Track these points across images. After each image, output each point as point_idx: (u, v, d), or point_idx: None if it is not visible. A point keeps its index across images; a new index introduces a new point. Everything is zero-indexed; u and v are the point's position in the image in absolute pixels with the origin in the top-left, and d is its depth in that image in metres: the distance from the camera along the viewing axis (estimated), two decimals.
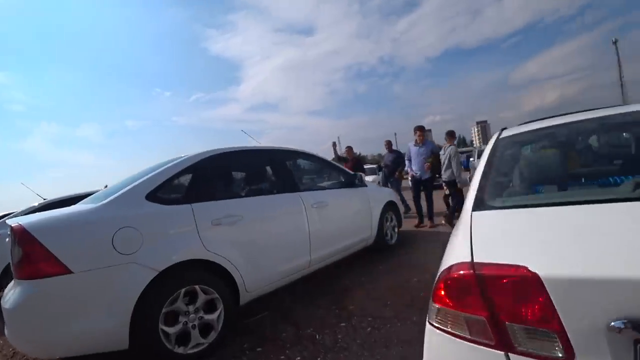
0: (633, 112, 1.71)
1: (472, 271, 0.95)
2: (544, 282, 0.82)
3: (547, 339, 0.82)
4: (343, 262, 3.64)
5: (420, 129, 5.81)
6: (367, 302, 2.81)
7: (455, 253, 1.08)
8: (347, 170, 4.06)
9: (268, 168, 3.14)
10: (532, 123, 2.10)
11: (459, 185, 5.52)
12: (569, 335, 0.79)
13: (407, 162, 5.98)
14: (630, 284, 0.75)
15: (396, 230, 4.57)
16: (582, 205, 1.17)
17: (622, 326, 0.73)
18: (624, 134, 1.98)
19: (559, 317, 0.80)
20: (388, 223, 4.39)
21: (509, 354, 0.86)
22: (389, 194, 4.59)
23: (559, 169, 1.70)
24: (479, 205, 1.39)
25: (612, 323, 0.74)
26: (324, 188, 3.59)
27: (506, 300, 0.89)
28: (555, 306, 0.81)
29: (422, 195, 5.81)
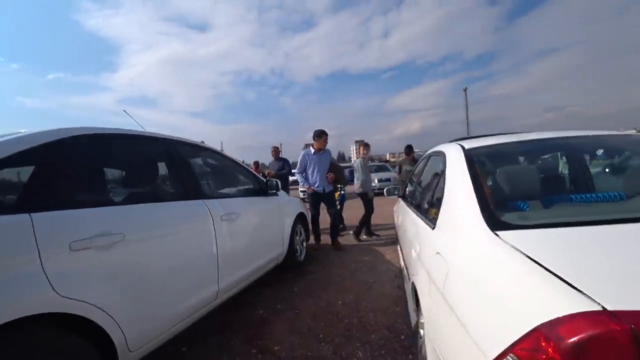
0: (595, 135, 1.82)
1: (619, 327, 0.59)
2: None
3: None
4: (251, 286, 2.98)
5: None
6: (294, 338, 2.26)
7: (547, 300, 0.72)
8: (258, 175, 3.43)
9: (163, 165, 2.24)
10: (479, 139, 2.06)
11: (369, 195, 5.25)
12: None
13: (299, 175, 4.70)
14: None
15: (304, 244, 4.16)
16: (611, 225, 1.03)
17: None
18: (586, 155, 2.10)
19: None
20: (298, 237, 3.94)
21: None
22: (300, 205, 4.16)
23: (535, 185, 1.61)
24: (497, 224, 1.12)
25: None
26: (232, 195, 2.88)
27: None
28: None
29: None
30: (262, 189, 3.30)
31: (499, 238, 1.04)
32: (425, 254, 1.58)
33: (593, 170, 2.02)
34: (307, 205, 4.76)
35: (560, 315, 0.65)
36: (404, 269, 2.85)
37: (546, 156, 2.21)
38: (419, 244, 1.80)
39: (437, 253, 1.37)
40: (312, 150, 4.63)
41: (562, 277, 0.75)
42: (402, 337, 2.12)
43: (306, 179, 4.68)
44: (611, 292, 0.69)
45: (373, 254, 4.31)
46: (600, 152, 1.89)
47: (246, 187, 3.26)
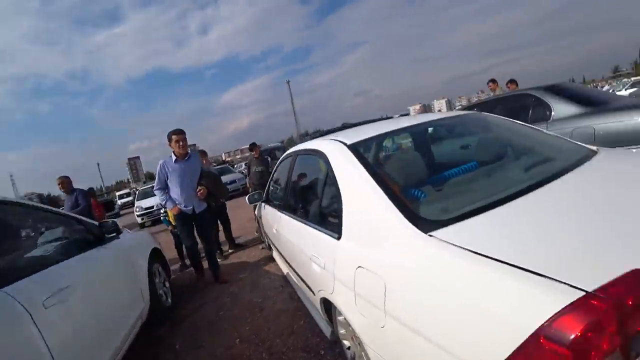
0: (450, 116, 2.06)
1: (604, 305, 0.65)
2: None
3: None
4: None
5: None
6: None
7: (527, 295, 0.73)
8: (86, 219, 2.53)
9: None
10: (354, 130, 2.06)
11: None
12: None
13: (159, 193, 3.53)
14: None
15: (167, 284, 3.44)
16: (518, 200, 1.15)
17: None
18: (451, 133, 2.37)
19: None
20: (158, 279, 3.20)
21: None
22: (149, 239, 3.39)
23: (419, 169, 1.73)
24: (425, 224, 1.09)
25: None
26: (55, 260, 2.00)
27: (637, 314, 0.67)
28: None
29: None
30: (96, 236, 2.47)
31: (439, 239, 1.01)
32: (339, 267, 1.47)
33: (450, 147, 2.35)
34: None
35: (554, 311, 0.66)
36: (291, 277, 2.74)
37: (412, 141, 2.46)
38: (322, 256, 1.66)
39: (360, 267, 1.27)
40: (173, 158, 3.44)
41: (529, 269, 0.77)
42: (322, 352, 2.02)
43: (169, 196, 3.51)
44: (577, 270, 0.75)
45: (248, 268, 4.02)
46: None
47: (74, 239, 2.35)
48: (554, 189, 1.22)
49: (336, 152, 1.70)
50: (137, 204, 12.10)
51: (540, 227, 1.00)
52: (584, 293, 0.67)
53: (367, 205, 1.34)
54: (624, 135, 3.27)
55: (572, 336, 0.63)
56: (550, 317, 0.66)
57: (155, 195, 4.00)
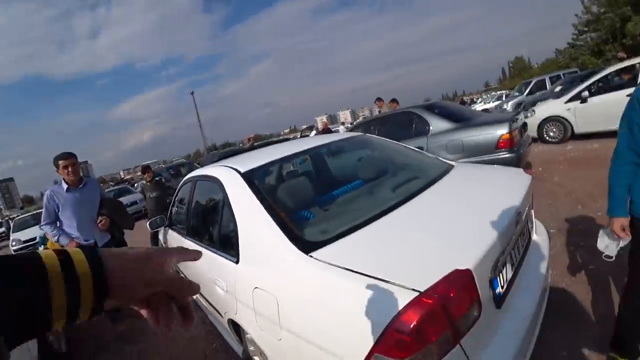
0: (333, 141, 2.27)
1: (431, 302, 0.91)
2: (473, 274, 1.00)
3: (472, 310, 1.02)
4: None
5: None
6: None
7: (377, 299, 0.96)
8: None
9: None
10: (249, 157, 2.16)
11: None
12: (481, 298, 1.04)
13: (48, 228, 2.95)
14: (487, 251, 1.12)
15: (60, 329, 3.03)
16: (379, 220, 1.41)
17: (493, 271, 1.18)
18: (333, 156, 2.59)
19: (478, 291, 1.03)
20: None
21: (460, 343, 0.97)
22: None
23: (308, 192, 1.91)
24: (307, 246, 1.28)
25: (489, 274, 1.09)
26: None
27: (456, 305, 0.96)
28: (477, 285, 1.02)
29: None
30: None
31: (317, 260, 1.18)
32: (239, 290, 1.56)
33: (341, 166, 2.62)
34: None
35: (397, 310, 0.89)
36: (200, 301, 2.68)
37: (306, 164, 2.67)
38: (224, 279, 1.73)
39: (256, 288, 1.39)
40: (64, 187, 2.90)
41: (380, 277, 0.99)
42: None
43: (63, 230, 2.97)
44: (415, 275, 1.00)
45: None
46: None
47: None
48: (413, 204, 1.55)
49: (231, 179, 1.80)
50: (13, 236, 10.12)
51: (393, 240, 1.28)
52: (417, 293, 0.92)
53: (259, 231, 1.48)
54: (483, 145, 4.11)
55: (411, 326, 0.86)
56: (395, 315, 0.89)
57: (37, 225, 3.51)
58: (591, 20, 18.90)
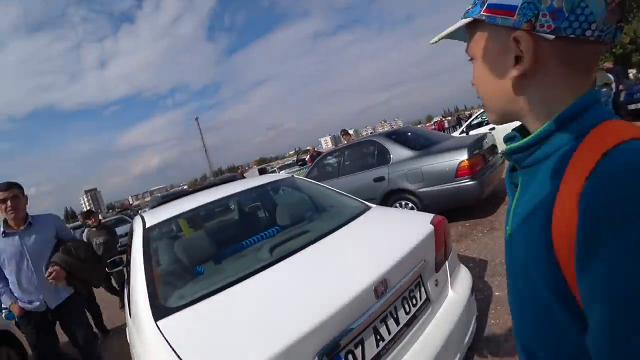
0: (247, 189, 2.27)
1: None
2: None
3: None
4: None
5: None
6: None
7: None
8: None
9: None
10: (162, 208, 2.20)
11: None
12: None
13: None
14: (310, 333, 1.03)
15: None
16: (240, 283, 1.38)
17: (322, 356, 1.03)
18: (242, 206, 2.55)
19: None
20: None
21: None
22: None
23: (210, 246, 1.91)
24: (158, 313, 1.27)
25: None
26: None
27: None
28: None
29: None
30: None
31: (158, 328, 1.17)
32: (131, 344, 1.51)
33: (256, 213, 2.59)
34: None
35: None
36: None
37: (217, 214, 2.65)
38: (130, 334, 1.71)
39: (130, 345, 1.41)
40: (0, 229, 2.28)
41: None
42: None
43: (7, 288, 2.31)
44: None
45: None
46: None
47: None
48: (285, 263, 1.49)
49: (137, 229, 1.88)
50: None
51: (223, 317, 1.21)
52: None
53: (135, 287, 1.49)
54: (442, 173, 3.95)
55: None
56: None
57: None
58: None
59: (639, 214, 0.30)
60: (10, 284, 2.29)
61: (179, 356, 1.00)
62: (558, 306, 0.38)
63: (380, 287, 1.23)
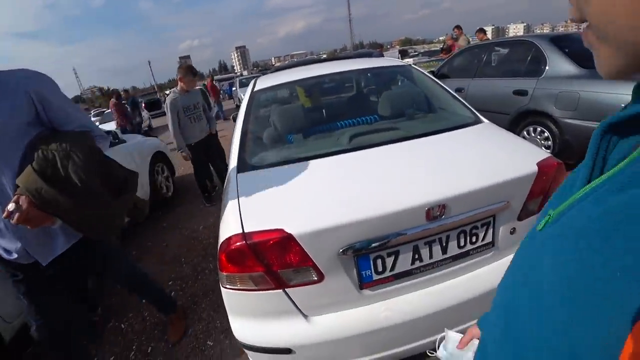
0: (359, 69, 2.23)
1: (244, 242, 1.14)
2: (296, 238, 1.12)
3: (306, 272, 1.18)
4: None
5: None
6: (162, 267, 2.77)
7: (229, 224, 1.21)
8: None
9: None
10: (278, 74, 2.35)
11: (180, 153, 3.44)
12: (318, 265, 1.15)
13: None
14: (346, 225, 1.14)
15: (171, 180, 4.41)
16: (318, 160, 1.49)
17: (346, 250, 1.15)
18: (349, 85, 2.56)
19: (310, 257, 1.15)
20: (160, 176, 4.14)
21: (285, 289, 1.19)
22: (154, 144, 4.21)
23: (304, 119, 2.06)
24: (242, 167, 1.55)
25: (340, 250, 1.15)
26: None
27: (274, 255, 1.16)
28: (307, 251, 1.14)
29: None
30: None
31: (236, 179, 1.46)
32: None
33: (357, 98, 2.54)
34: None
35: (230, 234, 1.17)
36: None
37: (325, 89, 2.62)
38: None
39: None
40: None
41: (241, 208, 1.25)
42: None
43: None
44: (252, 219, 1.20)
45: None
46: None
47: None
48: (374, 151, 1.52)
49: (248, 92, 2.14)
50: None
51: (292, 184, 1.36)
52: (241, 231, 1.16)
53: (232, 144, 1.79)
54: (602, 106, 2.89)
55: (231, 249, 1.15)
56: (227, 237, 1.18)
57: None
58: None
59: None
60: None
61: (239, 203, 1.28)
62: None
63: (434, 210, 1.16)
